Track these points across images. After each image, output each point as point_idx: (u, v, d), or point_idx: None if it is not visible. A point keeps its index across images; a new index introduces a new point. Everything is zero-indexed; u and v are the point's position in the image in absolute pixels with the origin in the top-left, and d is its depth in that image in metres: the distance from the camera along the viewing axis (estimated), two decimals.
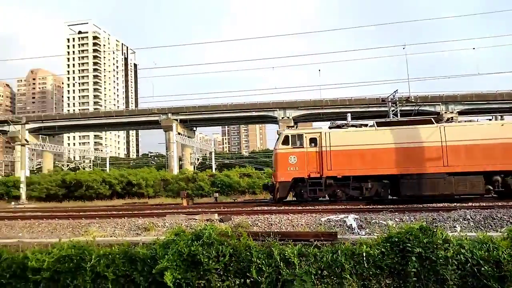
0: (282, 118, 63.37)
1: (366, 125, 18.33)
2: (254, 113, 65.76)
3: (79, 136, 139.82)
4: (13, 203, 22.71)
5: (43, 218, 15.81)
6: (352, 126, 18.37)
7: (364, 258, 3.46)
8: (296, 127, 21.23)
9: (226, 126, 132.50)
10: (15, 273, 3.57)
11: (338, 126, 18.52)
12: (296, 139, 17.89)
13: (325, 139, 17.45)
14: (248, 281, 3.40)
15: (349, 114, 21.04)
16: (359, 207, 15.12)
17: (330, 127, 18.70)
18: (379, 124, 18.01)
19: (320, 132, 17.80)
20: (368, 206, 15.28)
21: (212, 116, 66.69)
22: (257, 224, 12.84)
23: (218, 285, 3.34)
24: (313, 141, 17.75)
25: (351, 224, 11.12)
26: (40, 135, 69.45)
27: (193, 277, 3.26)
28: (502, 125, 16.48)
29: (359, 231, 10.63)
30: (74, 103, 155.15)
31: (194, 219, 13.79)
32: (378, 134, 17.26)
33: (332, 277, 3.50)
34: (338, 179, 17.20)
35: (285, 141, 17.98)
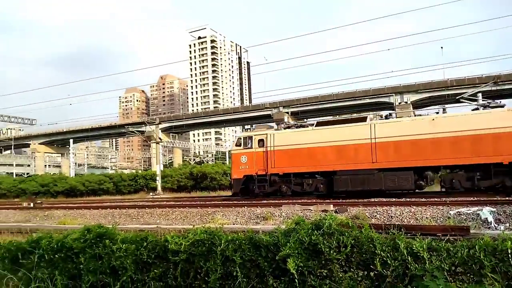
0: (399, 103, 58.86)
1: (313, 125, 19.29)
2: (367, 100, 62.66)
3: (202, 132, 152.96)
4: (151, 193, 26.05)
5: (175, 207, 17.75)
6: (300, 126, 19.84)
7: (510, 255, 3.02)
8: (281, 126, 21.76)
9: (338, 116, 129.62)
10: (158, 254, 4.07)
11: (288, 127, 20.27)
12: (247, 141, 19.61)
13: (270, 140, 18.98)
14: (372, 273, 3.28)
15: (480, 94, 18.72)
16: (495, 199, 13.32)
17: (277, 128, 20.45)
18: (318, 124, 19.09)
19: (266, 134, 19.33)
20: (506, 198, 13.35)
21: (323, 107, 65.75)
22: (376, 216, 12.32)
23: (341, 275, 3.29)
24: (260, 142, 19.23)
25: (486, 218, 9.86)
26: (171, 134, 77.95)
27: (315, 265, 3.28)
28: (433, 119, 16.06)
29: (496, 225, 9.36)
30: (197, 103, 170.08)
31: (309, 209, 13.90)
32: (315, 133, 18.22)
33: (469, 275, 3.15)
34: (281, 176, 18.55)
35: (238, 143, 20.03)
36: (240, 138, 20.35)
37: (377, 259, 3.18)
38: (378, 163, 16.59)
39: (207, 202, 19.45)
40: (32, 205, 25.61)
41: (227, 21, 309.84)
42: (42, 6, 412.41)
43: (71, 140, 73.32)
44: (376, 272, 3.24)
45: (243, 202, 18.05)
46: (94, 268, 4.18)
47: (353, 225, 3.40)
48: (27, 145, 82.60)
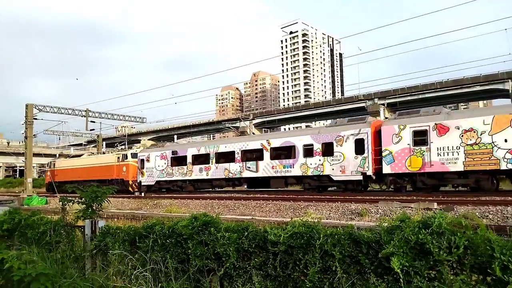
0: None
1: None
2: (477, 88, 56.10)
3: (293, 127, 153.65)
4: (245, 186, 27.04)
5: (269, 200, 18.19)
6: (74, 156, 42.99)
7: None
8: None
9: (441, 106, 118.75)
10: (258, 244, 4.21)
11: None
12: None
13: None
14: (488, 278, 2.96)
15: None
16: None
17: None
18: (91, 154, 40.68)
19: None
20: None
21: (424, 97, 60.64)
22: (488, 216, 11.11)
23: (451, 278, 3.04)
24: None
25: None
26: (263, 129, 79.88)
27: (422, 266, 3.08)
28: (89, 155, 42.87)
29: None
30: (288, 98, 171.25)
31: (409, 207, 13.07)
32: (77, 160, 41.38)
33: None
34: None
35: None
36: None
37: (496, 263, 2.86)
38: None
39: (299, 196, 19.55)
40: (143, 194, 28.58)
41: (320, 13, 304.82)
42: (154, 19, 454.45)
43: (175, 136, 79.83)
44: (494, 277, 2.92)
45: (337, 197, 17.71)
46: (201, 254, 4.50)
47: (467, 225, 3.10)
48: (138, 141, 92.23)
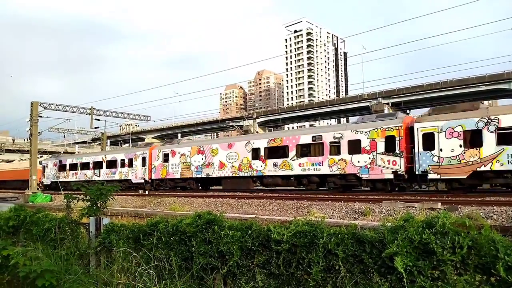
0: None
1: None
2: (482, 87, 55.79)
3: (297, 126, 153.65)
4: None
5: (272, 199, 18.20)
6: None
7: None
8: None
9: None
10: (261, 243, 4.23)
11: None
12: None
13: None
14: (492, 279, 2.96)
15: None
16: None
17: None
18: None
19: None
20: None
21: (429, 96, 60.47)
22: (492, 216, 11.07)
23: (455, 278, 3.04)
24: None
25: None
26: (267, 127, 79.87)
27: (425, 266, 3.08)
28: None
29: None
30: (292, 97, 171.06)
31: (413, 207, 13.04)
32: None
33: None
34: None
35: None
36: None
37: (500, 263, 2.85)
38: None
39: (302, 195, 19.55)
40: (147, 192, 28.69)
41: (325, 12, 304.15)
42: (158, 17, 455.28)
43: (179, 135, 79.89)
44: (498, 278, 2.91)
45: (340, 196, 17.70)
46: (204, 252, 4.52)
47: (470, 225, 3.09)
48: (142, 139, 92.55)
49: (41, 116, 35.33)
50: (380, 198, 15.77)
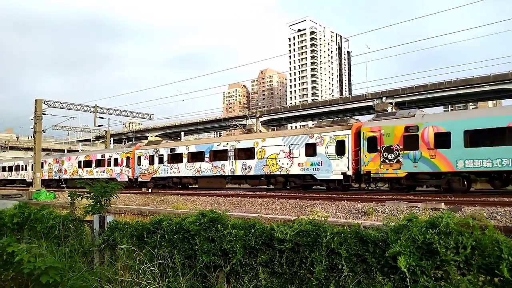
0: None
1: None
2: (486, 88, 55.50)
3: (300, 125, 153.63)
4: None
5: (275, 198, 18.20)
6: None
7: None
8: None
9: (450, 106, 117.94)
10: (264, 241, 4.24)
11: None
12: None
13: None
14: (496, 279, 2.96)
15: None
16: None
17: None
18: None
19: None
20: None
21: (433, 96, 60.21)
22: (496, 217, 11.02)
23: (458, 278, 3.04)
24: None
25: None
26: (270, 126, 79.79)
27: (428, 266, 3.08)
28: None
29: None
30: (295, 96, 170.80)
31: (416, 207, 13.01)
32: None
33: None
34: None
35: None
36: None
37: (504, 264, 2.85)
38: None
39: (305, 194, 19.54)
40: (150, 190, 28.76)
41: (328, 11, 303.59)
42: (161, 16, 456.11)
43: (182, 133, 79.98)
44: (502, 279, 2.91)
45: (343, 195, 17.68)
46: (208, 250, 4.54)
47: (474, 225, 3.09)
48: (145, 137, 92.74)
49: (45, 114, 35.47)
50: (383, 198, 15.74)
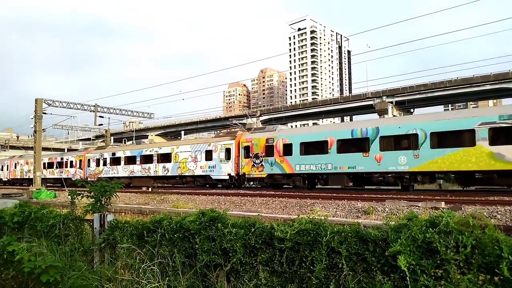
0: None
1: None
2: (487, 87, 55.43)
3: (300, 124, 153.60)
4: (251, 183, 27.83)
5: (275, 197, 18.20)
6: None
7: None
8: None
9: (450, 105, 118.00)
10: (264, 240, 4.24)
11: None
12: None
13: None
14: (496, 278, 2.96)
15: None
16: None
17: None
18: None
19: None
20: None
21: (433, 95, 60.11)
22: (496, 216, 11.01)
23: (458, 277, 3.04)
24: None
25: None
26: (270, 125, 79.64)
27: (428, 265, 3.08)
28: None
29: None
30: (295, 95, 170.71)
31: (416, 206, 13.01)
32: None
33: None
34: None
35: None
36: None
37: (504, 263, 2.85)
38: None
39: (305, 193, 19.54)
40: (150, 189, 28.78)
41: (329, 10, 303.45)
42: (162, 15, 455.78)
43: (182, 132, 79.93)
44: (502, 278, 2.91)
45: (343, 195, 17.68)
46: (208, 249, 4.54)
47: (474, 224, 3.09)
48: (146, 136, 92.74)
49: (45, 113, 35.46)
50: (383, 197, 15.74)
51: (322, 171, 21.71)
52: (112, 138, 68.98)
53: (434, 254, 3.10)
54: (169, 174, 30.41)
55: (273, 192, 20.85)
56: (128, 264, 5.26)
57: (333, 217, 12.91)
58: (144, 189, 29.56)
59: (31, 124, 35.35)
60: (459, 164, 17.33)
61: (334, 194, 18.26)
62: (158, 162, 31.39)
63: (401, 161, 19.12)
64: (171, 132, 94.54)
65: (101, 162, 36.88)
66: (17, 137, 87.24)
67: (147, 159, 32.49)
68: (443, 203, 12.67)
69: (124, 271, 5.20)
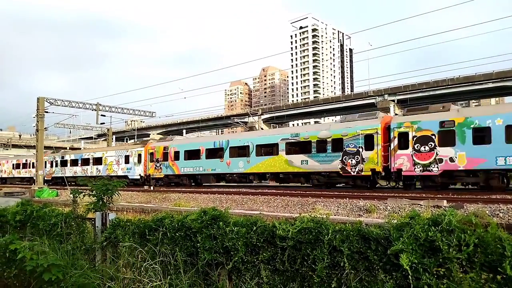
0: None
1: None
2: (489, 85, 55.19)
3: (302, 123, 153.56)
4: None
5: (277, 195, 18.19)
6: None
7: None
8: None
9: (451, 104, 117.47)
10: (266, 239, 4.23)
11: None
12: None
13: None
14: (498, 277, 2.95)
15: None
16: None
17: None
18: None
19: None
20: None
21: (435, 93, 59.83)
22: (498, 214, 10.98)
23: (460, 276, 3.03)
24: None
25: None
26: (272, 124, 79.72)
27: (431, 263, 3.07)
28: None
29: None
30: (297, 94, 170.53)
31: (418, 204, 12.99)
32: None
33: None
34: None
35: None
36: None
37: (507, 261, 2.84)
38: None
39: (307, 192, 19.53)
40: (152, 188, 28.82)
41: (330, 8, 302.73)
42: (163, 13, 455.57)
43: (184, 131, 79.97)
44: (504, 276, 2.90)
45: (345, 193, 17.66)
46: (209, 247, 4.54)
47: (477, 223, 3.07)
48: (147, 135, 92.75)
49: (47, 112, 35.53)
50: (385, 195, 15.72)
51: (197, 172, 28.43)
52: (114, 137, 69.05)
53: (437, 253, 3.09)
54: (100, 174, 36.23)
55: (274, 191, 20.84)
56: (130, 263, 5.26)
57: (335, 215, 12.89)
58: (146, 187, 29.62)
59: (33, 122, 35.46)
60: (271, 167, 23.98)
61: (335, 193, 18.24)
62: (93, 165, 38.51)
63: (240, 165, 25.73)
64: (173, 131, 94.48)
65: (54, 163, 44.47)
66: (20, 135, 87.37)
67: (86, 162, 39.51)
68: (445, 201, 12.64)
69: (126, 270, 5.21)
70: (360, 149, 20.31)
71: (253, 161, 24.97)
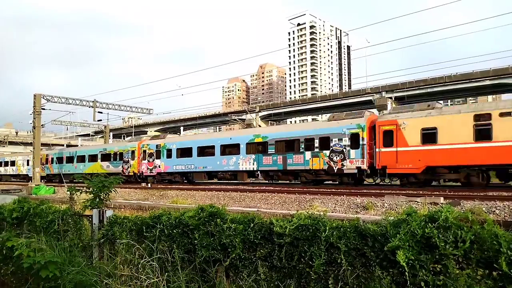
0: None
1: None
2: (486, 82, 55.33)
3: (300, 120, 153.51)
4: (250, 179, 28.33)
5: (275, 192, 18.20)
6: None
7: None
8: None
9: (449, 101, 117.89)
10: (264, 236, 4.23)
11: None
12: None
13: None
14: (494, 273, 2.96)
15: None
16: None
17: None
18: None
19: None
20: None
21: (432, 90, 59.97)
22: (494, 211, 11.04)
23: (457, 272, 3.04)
24: None
25: None
26: (269, 121, 79.69)
27: (427, 260, 3.08)
28: None
29: None
30: (295, 91, 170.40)
31: (415, 201, 13.03)
32: None
33: None
34: None
35: None
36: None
37: (503, 258, 2.85)
38: None
39: (304, 189, 19.56)
40: (149, 185, 28.78)
41: (328, 4, 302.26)
42: (161, 10, 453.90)
43: (181, 128, 79.83)
44: (500, 272, 2.92)
45: (342, 190, 17.70)
46: (207, 244, 4.54)
47: (473, 219, 3.09)
48: (145, 132, 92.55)
49: (44, 109, 35.35)
50: (382, 192, 15.76)
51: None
52: (111, 134, 68.87)
53: (433, 249, 3.10)
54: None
55: (272, 188, 20.85)
56: (127, 260, 5.26)
57: (332, 212, 12.92)
58: (143, 184, 29.57)
59: (30, 119, 35.26)
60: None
61: (333, 190, 18.27)
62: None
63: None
64: (170, 128, 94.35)
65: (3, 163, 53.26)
66: (16, 132, 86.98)
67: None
68: (442, 198, 12.69)
69: (123, 267, 5.20)
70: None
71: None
